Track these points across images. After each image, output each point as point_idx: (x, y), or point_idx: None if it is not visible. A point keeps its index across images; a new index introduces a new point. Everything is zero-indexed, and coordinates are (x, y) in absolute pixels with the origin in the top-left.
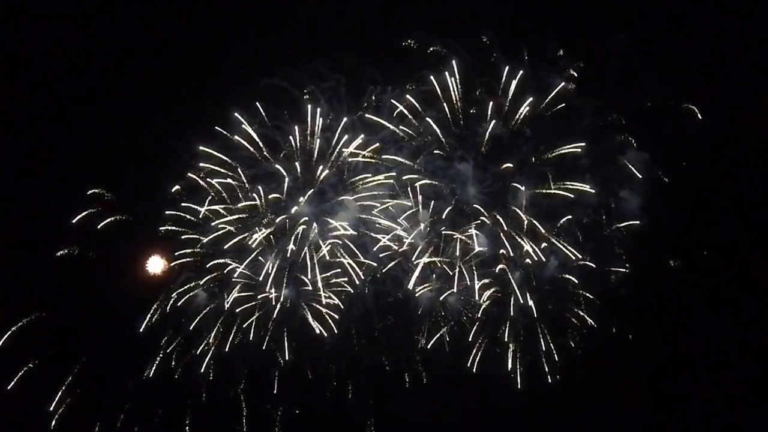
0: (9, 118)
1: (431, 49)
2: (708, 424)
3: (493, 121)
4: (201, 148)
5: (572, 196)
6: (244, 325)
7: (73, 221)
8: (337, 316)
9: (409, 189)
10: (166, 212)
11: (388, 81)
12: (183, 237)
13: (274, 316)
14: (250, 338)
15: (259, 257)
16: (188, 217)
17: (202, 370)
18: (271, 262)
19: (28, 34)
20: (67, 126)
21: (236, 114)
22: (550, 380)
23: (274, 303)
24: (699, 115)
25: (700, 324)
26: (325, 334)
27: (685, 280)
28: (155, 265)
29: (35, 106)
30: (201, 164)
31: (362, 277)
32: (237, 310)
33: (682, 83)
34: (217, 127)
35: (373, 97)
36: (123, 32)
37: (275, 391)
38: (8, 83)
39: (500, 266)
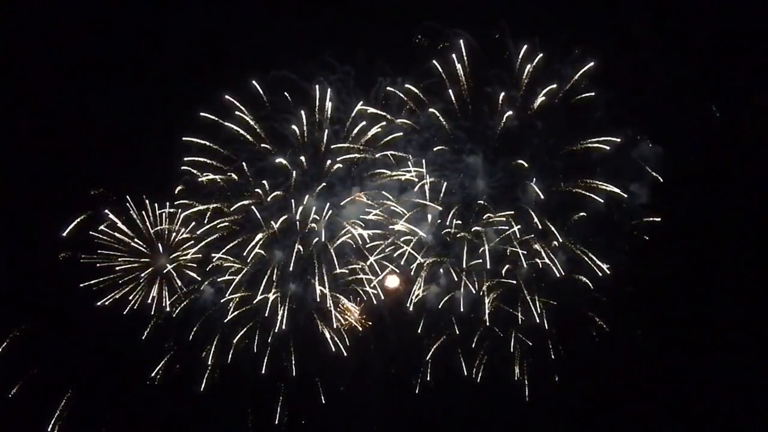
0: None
1: (441, 45)
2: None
3: (507, 113)
4: (202, 142)
5: (601, 200)
6: (246, 328)
7: (71, 227)
8: (360, 327)
9: (417, 183)
10: (168, 211)
11: (399, 73)
12: (184, 236)
13: (279, 319)
14: (255, 343)
15: (265, 255)
16: (191, 215)
17: (206, 375)
18: (276, 262)
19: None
20: (66, 124)
21: (227, 96)
22: (557, 381)
23: (279, 304)
24: (717, 113)
25: (711, 324)
26: (345, 354)
27: (695, 278)
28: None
29: (34, 105)
30: (203, 160)
31: (372, 279)
32: (238, 312)
33: (699, 77)
34: (204, 114)
35: (383, 93)
36: (126, 28)
37: (281, 397)
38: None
39: (507, 266)
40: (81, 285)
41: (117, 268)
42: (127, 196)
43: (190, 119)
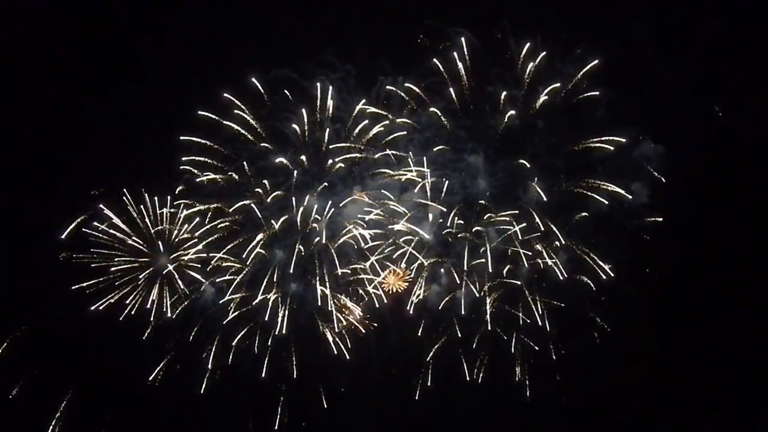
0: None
1: (442, 45)
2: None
3: (509, 112)
4: (203, 141)
5: (603, 200)
6: (247, 329)
7: (70, 228)
8: (362, 327)
9: (418, 183)
10: (169, 210)
11: (400, 72)
12: (185, 236)
13: (279, 321)
14: (255, 344)
15: (265, 255)
16: (191, 215)
17: (206, 376)
18: (276, 262)
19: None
20: (64, 123)
21: (228, 95)
22: (559, 382)
23: (280, 305)
24: (720, 113)
25: (713, 325)
26: (347, 356)
27: (697, 279)
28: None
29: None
30: (204, 159)
31: (373, 279)
32: (239, 312)
33: (701, 76)
34: (204, 113)
35: (384, 92)
36: (126, 27)
37: (282, 397)
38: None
39: (508, 267)
40: (73, 288)
41: (112, 269)
42: (124, 189)
43: (190, 118)
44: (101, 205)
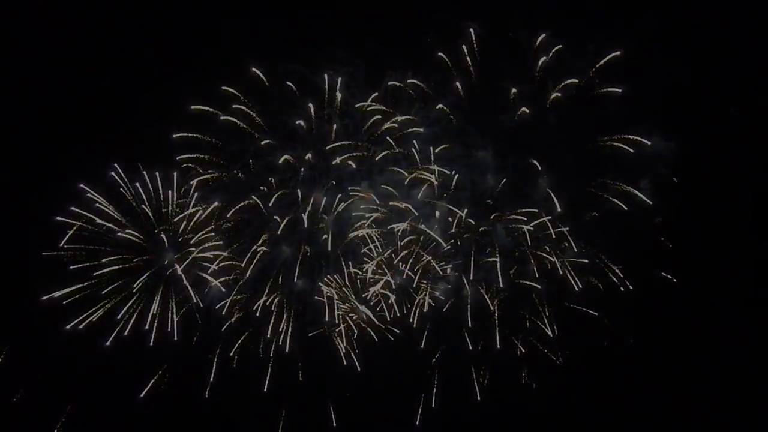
0: None
1: (452, 43)
2: None
3: (520, 108)
4: (207, 138)
5: (615, 200)
6: (250, 332)
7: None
8: (370, 329)
9: (426, 180)
10: (173, 210)
11: (409, 67)
12: (188, 236)
13: (284, 323)
14: (260, 347)
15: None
16: (194, 213)
17: (209, 382)
18: (282, 261)
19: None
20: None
21: (234, 90)
22: (566, 385)
23: (285, 306)
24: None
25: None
26: (356, 361)
27: (707, 281)
28: None
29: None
30: (207, 156)
31: (380, 279)
32: (243, 313)
33: (717, 73)
34: (210, 109)
35: (393, 87)
36: (127, 24)
37: (287, 403)
38: None
39: (516, 267)
40: (43, 298)
41: (96, 273)
42: (116, 165)
43: (193, 114)
44: (83, 185)
